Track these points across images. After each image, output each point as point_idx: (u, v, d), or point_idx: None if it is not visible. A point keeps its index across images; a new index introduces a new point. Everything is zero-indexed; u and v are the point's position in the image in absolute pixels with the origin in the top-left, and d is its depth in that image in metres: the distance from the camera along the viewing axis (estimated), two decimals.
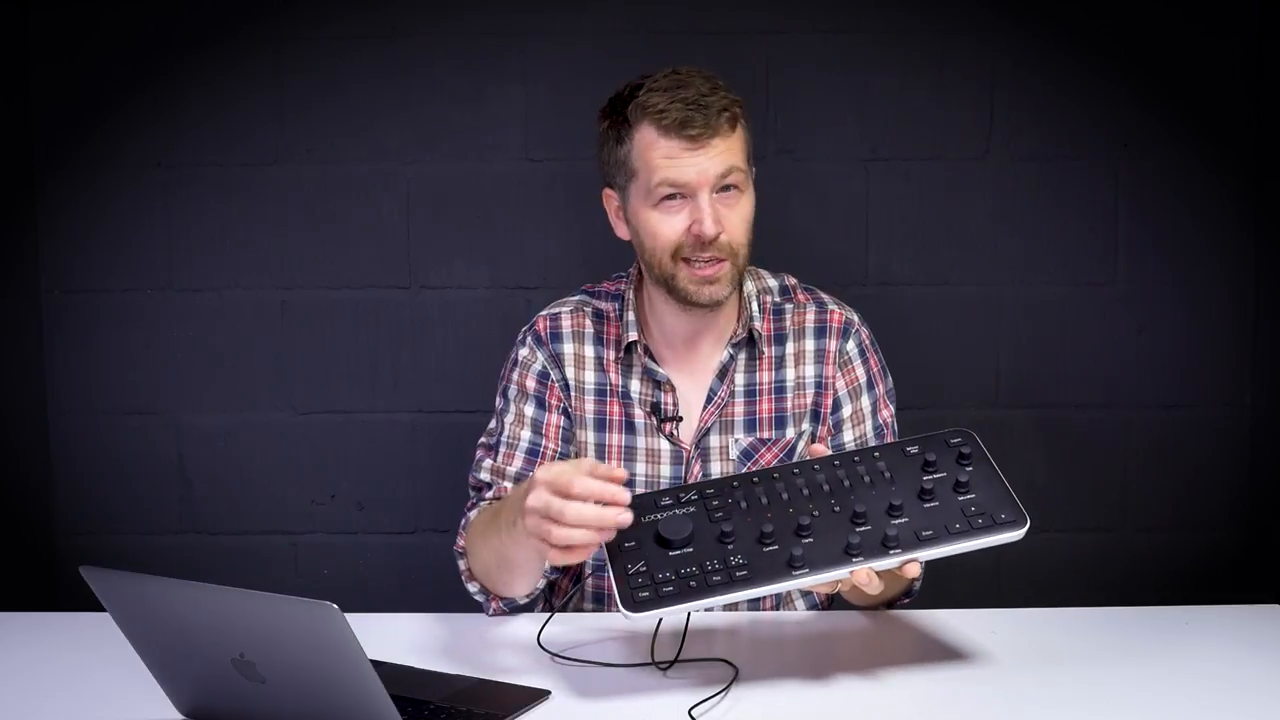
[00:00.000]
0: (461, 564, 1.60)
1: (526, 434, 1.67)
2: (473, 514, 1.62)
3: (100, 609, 1.21)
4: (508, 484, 1.63)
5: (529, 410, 1.68)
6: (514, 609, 1.59)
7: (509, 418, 1.68)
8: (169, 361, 2.31)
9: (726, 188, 1.57)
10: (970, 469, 1.35)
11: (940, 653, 1.43)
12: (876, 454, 1.40)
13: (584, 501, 1.28)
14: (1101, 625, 1.52)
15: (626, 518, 1.29)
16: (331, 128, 2.27)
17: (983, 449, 1.38)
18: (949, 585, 2.28)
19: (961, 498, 1.33)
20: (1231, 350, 2.29)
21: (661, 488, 1.64)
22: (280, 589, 1.16)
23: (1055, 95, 2.25)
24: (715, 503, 1.36)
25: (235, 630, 1.13)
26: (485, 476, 1.66)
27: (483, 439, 1.71)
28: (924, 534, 1.29)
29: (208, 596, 1.14)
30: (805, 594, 1.71)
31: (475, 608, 1.60)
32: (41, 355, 2.32)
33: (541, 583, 1.57)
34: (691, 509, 1.35)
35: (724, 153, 1.56)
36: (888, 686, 1.34)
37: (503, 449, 1.66)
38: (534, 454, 1.65)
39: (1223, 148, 2.26)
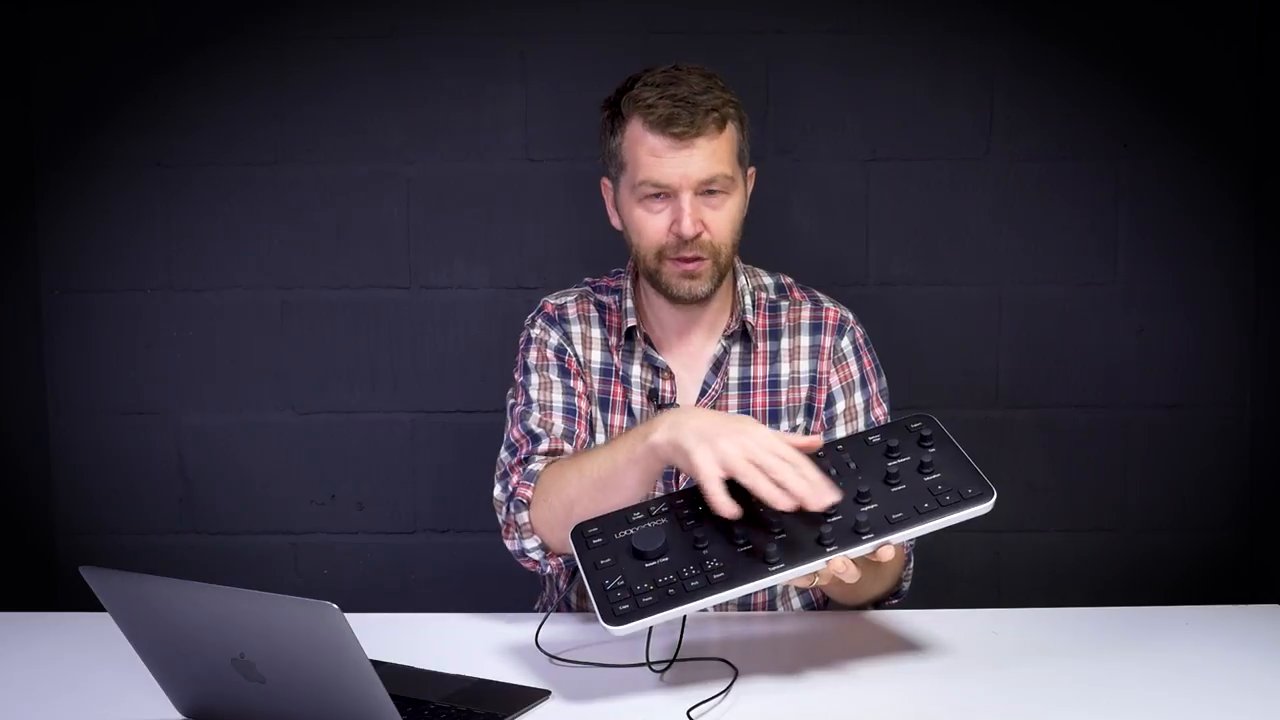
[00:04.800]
0: (524, 516, 1.54)
1: (559, 397, 1.65)
2: (536, 467, 1.57)
3: (100, 609, 1.21)
4: (558, 437, 1.60)
5: (554, 375, 1.67)
6: (571, 567, 1.57)
7: (535, 383, 1.67)
8: (169, 361, 2.32)
9: (710, 191, 1.58)
10: (933, 450, 1.37)
11: (941, 652, 1.43)
12: (840, 447, 1.41)
13: (800, 478, 1.29)
14: (1102, 625, 1.52)
15: (820, 503, 1.28)
16: (331, 128, 2.27)
17: (944, 430, 1.39)
18: (949, 585, 2.29)
19: (927, 478, 1.34)
20: (1231, 350, 2.29)
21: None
22: (280, 589, 1.16)
23: (1055, 95, 2.25)
24: (685, 511, 1.37)
25: (235, 630, 1.13)
26: (535, 428, 1.62)
27: (511, 402, 1.67)
28: (894, 517, 1.30)
29: (208, 596, 1.14)
30: (801, 592, 1.71)
31: (475, 608, 1.60)
32: (41, 355, 2.32)
33: None
34: (663, 520, 1.36)
35: (709, 156, 1.56)
36: (888, 687, 1.34)
37: (537, 411, 1.64)
38: (571, 412, 1.64)
39: (1223, 148, 2.26)
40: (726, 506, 1.30)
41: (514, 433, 1.64)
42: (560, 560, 1.57)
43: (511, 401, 1.69)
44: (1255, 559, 2.30)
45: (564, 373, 1.68)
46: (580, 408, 1.66)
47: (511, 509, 1.57)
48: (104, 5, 2.25)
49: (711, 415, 1.40)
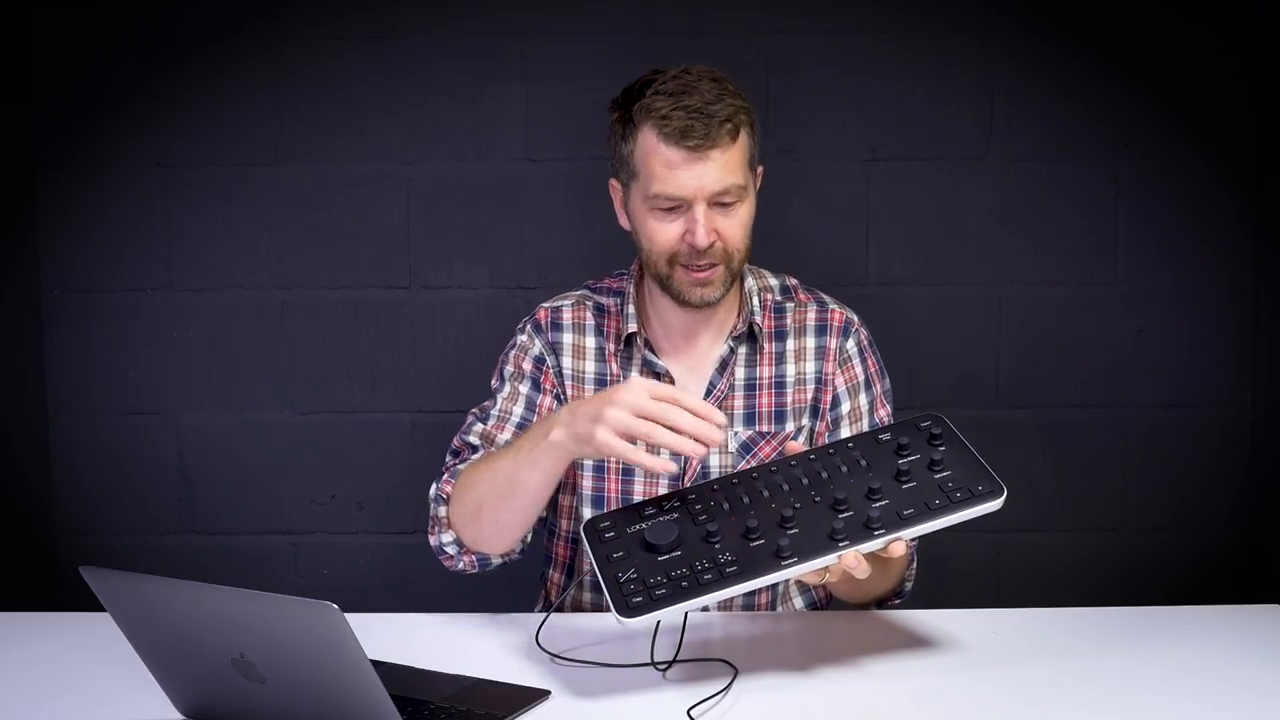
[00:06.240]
0: (442, 510, 1.59)
1: (519, 410, 1.67)
2: (462, 466, 1.61)
3: (100, 609, 1.21)
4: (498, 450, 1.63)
5: (523, 388, 1.69)
6: (484, 568, 1.60)
7: (503, 393, 1.70)
8: (169, 361, 2.32)
9: (723, 201, 1.58)
10: (943, 448, 1.38)
11: (941, 652, 1.43)
12: (850, 444, 1.42)
13: (684, 411, 1.36)
14: (1101, 625, 1.52)
15: (719, 436, 1.36)
16: (331, 128, 2.27)
17: (953, 429, 1.40)
18: (949, 585, 2.29)
19: (938, 475, 1.35)
20: (1231, 350, 2.29)
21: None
22: (280, 589, 1.16)
23: (1055, 95, 2.25)
24: (698, 506, 1.38)
25: (235, 630, 1.13)
26: (475, 440, 1.66)
27: (474, 410, 1.71)
28: (905, 513, 1.31)
29: (208, 596, 1.14)
30: (804, 591, 1.71)
31: (475, 608, 1.60)
32: (41, 355, 2.32)
33: (518, 547, 1.58)
34: (675, 514, 1.37)
35: (722, 167, 1.55)
36: (888, 686, 1.34)
37: (493, 420, 1.67)
38: (524, 429, 1.65)
39: (1223, 148, 2.26)
40: (661, 464, 1.38)
41: (458, 440, 1.68)
42: (473, 558, 1.59)
43: (477, 409, 1.71)
44: (1255, 559, 2.30)
45: (535, 386, 1.70)
46: None
47: (433, 505, 1.61)
48: (104, 5, 2.25)
49: (593, 398, 1.44)
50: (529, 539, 1.60)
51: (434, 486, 1.62)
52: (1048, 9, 2.24)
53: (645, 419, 1.35)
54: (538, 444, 1.45)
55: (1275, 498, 2.25)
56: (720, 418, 1.36)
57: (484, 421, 1.67)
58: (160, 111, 2.27)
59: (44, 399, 2.32)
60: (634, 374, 1.69)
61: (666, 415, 1.35)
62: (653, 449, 1.39)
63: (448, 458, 1.67)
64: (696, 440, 1.35)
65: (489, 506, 1.52)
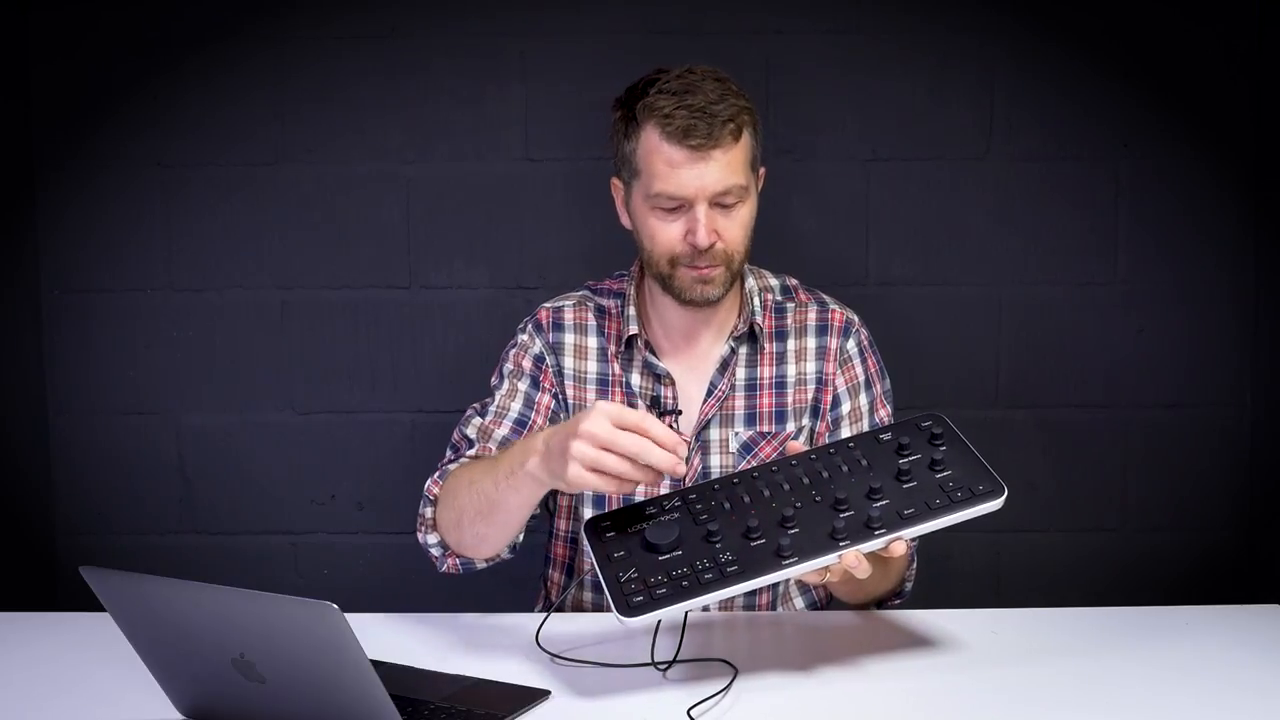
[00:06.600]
0: (428, 511, 1.59)
1: (517, 406, 1.68)
2: (453, 466, 1.61)
3: (100, 609, 1.21)
4: (492, 446, 1.63)
5: (522, 385, 1.69)
6: (468, 571, 1.60)
7: (502, 389, 1.70)
8: (169, 361, 2.32)
9: (725, 201, 1.58)
10: (944, 448, 1.38)
11: (941, 653, 1.43)
12: (851, 444, 1.42)
13: (652, 445, 1.30)
14: (1101, 625, 1.52)
15: (682, 468, 1.31)
16: (331, 128, 2.27)
17: (954, 429, 1.40)
18: (949, 585, 2.29)
19: (938, 475, 1.35)
20: (1231, 350, 2.29)
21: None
22: (280, 589, 1.16)
23: (1055, 95, 2.25)
24: (699, 506, 1.38)
25: (235, 630, 1.13)
26: (472, 433, 1.66)
27: (475, 405, 1.71)
28: (906, 512, 1.31)
29: (208, 596, 1.14)
30: (804, 592, 1.71)
31: (475, 608, 1.60)
32: (41, 355, 2.32)
33: (506, 553, 1.57)
34: (676, 514, 1.38)
35: (724, 167, 1.55)
36: (888, 686, 1.34)
37: (491, 415, 1.67)
38: (521, 425, 1.66)
39: (1223, 148, 2.26)
40: (629, 488, 1.33)
41: (456, 433, 1.68)
42: (457, 561, 1.59)
43: (478, 403, 1.71)
44: (1255, 559, 2.30)
45: (534, 384, 1.70)
46: (535, 423, 1.66)
47: (422, 503, 1.61)
48: (104, 5, 2.25)
49: (562, 427, 1.37)
50: (518, 545, 1.59)
51: (427, 482, 1.62)
52: (1048, 9, 2.24)
53: (614, 452, 1.30)
54: (516, 470, 1.42)
55: (1275, 498, 2.25)
56: (684, 449, 1.32)
57: (482, 416, 1.68)
58: (160, 111, 2.27)
59: (44, 399, 2.32)
60: (634, 376, 1.69)
61: (632, 449, 1.30)
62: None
63: (447, 452, 1.67)
64: (660, 473, 1.31)
65: (469, 520, 1.52)
